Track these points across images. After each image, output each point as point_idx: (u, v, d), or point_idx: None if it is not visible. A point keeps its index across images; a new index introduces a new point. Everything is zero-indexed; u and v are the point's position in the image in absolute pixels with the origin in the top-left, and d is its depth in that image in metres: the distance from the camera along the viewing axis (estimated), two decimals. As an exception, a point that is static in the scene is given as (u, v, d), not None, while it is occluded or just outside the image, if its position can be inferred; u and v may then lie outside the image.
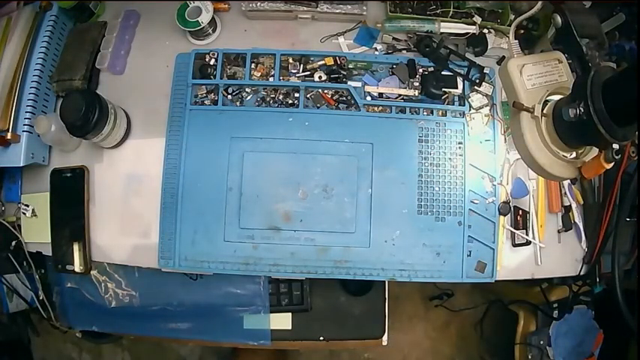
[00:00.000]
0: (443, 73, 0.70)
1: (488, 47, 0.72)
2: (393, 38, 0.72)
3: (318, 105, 0.69)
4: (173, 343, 0.85)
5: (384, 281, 0.83)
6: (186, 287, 0.82)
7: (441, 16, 0.71)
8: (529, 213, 0.69)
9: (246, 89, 0.70)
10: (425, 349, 1.44)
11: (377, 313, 0.84)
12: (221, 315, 0.82)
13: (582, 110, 0.50)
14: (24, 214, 0.73)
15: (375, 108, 0.69)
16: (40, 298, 0.80)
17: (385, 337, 0.84)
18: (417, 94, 0.70)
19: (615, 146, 0.50)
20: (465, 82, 0.70)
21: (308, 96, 0.69)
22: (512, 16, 0.70)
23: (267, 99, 0.70)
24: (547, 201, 0.70)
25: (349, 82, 0.69)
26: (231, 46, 0.72)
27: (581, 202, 0.70)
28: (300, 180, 0.67)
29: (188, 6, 0.70)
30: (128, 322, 0.83)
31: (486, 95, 0.69)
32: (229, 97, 0.69)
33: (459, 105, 0.69)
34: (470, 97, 0.69)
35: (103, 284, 0.82)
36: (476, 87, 0.69)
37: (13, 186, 0.75)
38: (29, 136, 0.68)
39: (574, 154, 0.60)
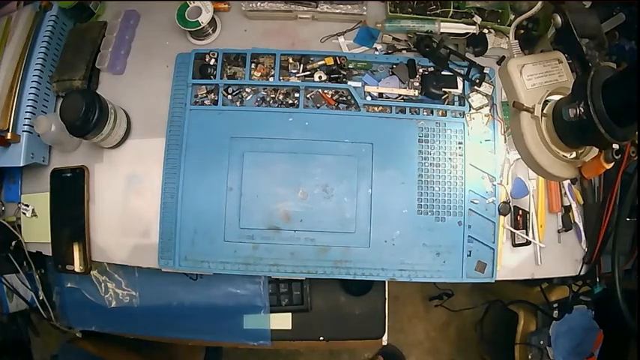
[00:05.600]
0: (443, 73, 0.70)
1: (488, 47, 0.72)
2: (393, 38, 0.72)
3: (318, 105, 0.69)
4: (173, 343, 0.86)
5: (384, 281, 0.83)
6: (186, 287, 0.82)
7: (441, 16, 0.71)
8: (529, 213, 0.69)
9: (246, 89, 0.70)
10: (425, 349, 1.44)
11: (377, 313, 0.84)
12: (221, 315, 0.82)
13: (582, 110, 0.50)
14: (24, 214, 0.73)
15: (375, 108, 0.69)
16: (40, 298, 0.80)
17: (385, 337, 0.84)
18: (417, 94, 0.70)
19: (615, 146, 0.50)
20: (465, 82, 0.70)
21: (308, 96, 0.69)
22: (512, 16, 0.70)
23: (267, 99, 0.70)
24: (547, 201, 0.70)
25: (349, 82, 0.69)
26: (231, 46, 0.72)
27: (581, 202, 0.70)
28: (300, 180, 0.67)
29: (188, 6, 0.70)
30: (128, 322, 0.83)
31: (486, 95, 0.69)
32: (229, 97, 0.69)
33: (459, 105, 0.69)
34: (470, 97, 0.69)
35: (103, 284, 0.82)
36: (476, 87, 0.69)
37: (13, 186, 0.75)
38: (29, 136, 0.68)
39: (574, 154, 0.60)
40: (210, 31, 0.73)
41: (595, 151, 0.58)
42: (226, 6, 0.75)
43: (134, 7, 0.77)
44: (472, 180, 0.68)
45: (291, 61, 0.71)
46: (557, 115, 0.56)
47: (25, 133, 0.67)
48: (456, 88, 0.69)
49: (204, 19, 0.70)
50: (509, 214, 0.68)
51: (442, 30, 0.71)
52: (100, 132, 0.66)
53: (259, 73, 0.70)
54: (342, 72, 0.69)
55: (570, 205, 0.70)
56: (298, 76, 0.70)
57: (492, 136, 0.69)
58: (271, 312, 0.82)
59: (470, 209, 0.67)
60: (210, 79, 0.69)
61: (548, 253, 0.70)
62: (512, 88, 0.63)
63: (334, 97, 0.70)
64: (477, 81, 0.69)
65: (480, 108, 0.69)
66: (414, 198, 0.67)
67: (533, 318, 1.02)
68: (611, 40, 0.68)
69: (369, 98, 0.69)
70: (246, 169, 0.67)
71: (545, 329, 0.98)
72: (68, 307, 0.83)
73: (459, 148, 0.68)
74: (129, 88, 0.74)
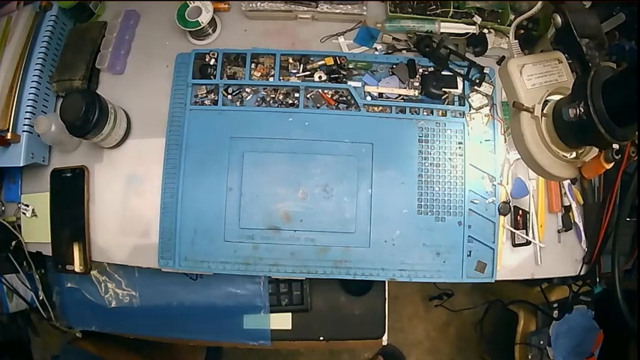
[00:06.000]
0: (443, 73, 0.70)
1: (488, 47, 0.72)
2: (393, 38, 0.72)
3: (318, 105, 0.69)
4: (173, 343, 0.86)
5: (384, 281, 0.83)
6: (186, 287, 0.82)
7: (441, 16, 0.71)
8: (529, 213, 0.69)
9: (246, 89, 0.70)
10: (425, 349, 1.44)
11: (377, 313, 0.84)
12: (221, 315, 0.82)
13: (582, 110, 0.50)
14: (24, 214, 0.73)
15: (375, 108, 0.69)
16: (40, 298, 0.80)
17: (385, 337, 0.84)
18: (417, 94, 0.70)
19: (615, 146, 0.50)
20: (465, 82, 0.70)
21: (308, 96, 0.69)
22: (512, 16, 0.70)
23: (267, 99, 0.70)
24: (547, 201, 0.70)
25: (349, 82, 0.69)
26: (231, 46, 0.72)
27: (581, 202, 0.70)
28: (300, 180, 0.67)
29: (188, 6, 0.70)
30: (128, 322, 0.83)
31: (486, 95, 0.69)
32: (229, 97, 0.69)
33: (459, 105, 0.69)
34: (470, 97, 0.69)
35: (103, 284, 0.82)
36: (476, 87, 0.69)
37: (13, 186, 0.75)
38: (29, 136, 0.68)
39: (574, 154, 0.60)
40: (210, 31, 0.73)
41: (595, 151, 0.58)
42: (226, 6, 0.75)
43: (134, 7, 0.77)
44: (472, 180, 0.68)
45: (291, 61, 0.71)
46: (557, 115, 0.56)
47: (25, 133, 0.67)
48: (456, 88, 0.69)
49: (204, 19, 0.70)
50: (509, 214, 0.68)
51: (442, 30, 0.71)
52: (100, 132, 0.66)
53: (259, 73, 0.70)
54: (342, 72, 0.69)
55: (570, 205, 0.70)
56: (298, 76, 0.70)
57: (492, 136, 0.69)
58: (271, 312, 0.82)
59: (470, 209, 0.67)
60: (210, 79, 0.69)
61: (548, 253, 0.70)
62: (512, 88, 0.63)
63: (334, 97, 0.70)
64: (477, 81, 0.69)
65: (480, 108, 0.69)
66: (414, 198, 0.67)
67: (533, 318, 1.02)
68: (611, 40, 0.68)
69: (369, 98, 0.69)
70: (246, 169, 0.67)
71: (545, 329, 0.98)
72: (68, 307, 0.83)
73: (459, 148, 0.68)
74: (129, 88, 0.74)
